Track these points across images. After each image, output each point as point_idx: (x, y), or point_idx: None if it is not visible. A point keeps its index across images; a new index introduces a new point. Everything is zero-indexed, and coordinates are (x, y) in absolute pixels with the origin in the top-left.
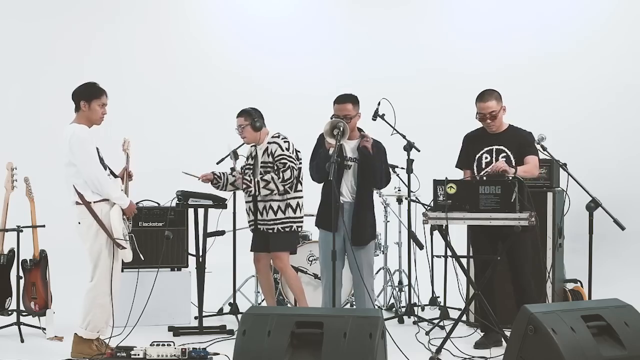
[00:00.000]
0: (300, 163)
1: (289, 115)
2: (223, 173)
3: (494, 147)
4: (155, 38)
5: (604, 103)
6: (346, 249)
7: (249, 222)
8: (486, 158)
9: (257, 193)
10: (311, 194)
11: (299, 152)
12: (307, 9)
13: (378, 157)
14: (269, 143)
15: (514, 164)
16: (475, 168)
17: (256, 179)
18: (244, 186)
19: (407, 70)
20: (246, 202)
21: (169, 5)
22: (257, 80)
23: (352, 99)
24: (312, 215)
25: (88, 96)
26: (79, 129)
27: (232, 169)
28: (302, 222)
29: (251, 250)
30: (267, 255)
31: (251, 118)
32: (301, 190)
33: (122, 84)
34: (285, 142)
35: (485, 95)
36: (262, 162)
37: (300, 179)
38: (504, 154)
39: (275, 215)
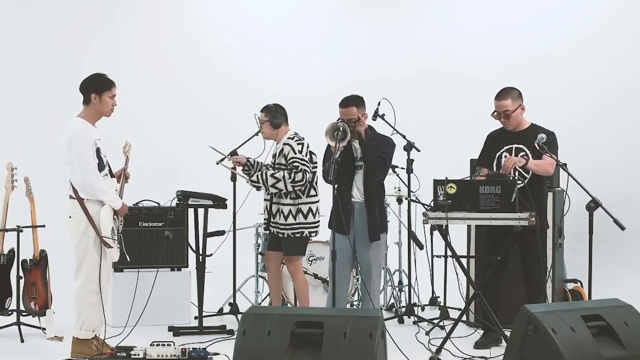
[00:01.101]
0: (315, 166)
1: (289, 115)
2: (258, 162)
3: (514, 146)
4: (155, 38)
5: (604, 103)
6: (355, 250)
7: (264, 220)
8: (505, 157)
9: (266, 190)
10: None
11: (313, 154)
12: (307, 9)
13: (372, 143)
14: (284, 144)
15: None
16: (494, 167)
17: (266, 173)
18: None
19: (407, 70)
20: (264, 199)
21: (169, 5)
22: (257, 80)
23: (355, 102)
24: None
25: (99, 88)
26: (80, 128)
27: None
28: (314, 227)
29: (267, 250)
30: (277, 254)
31: (270, 115)
32: (314, 195)
33: (122, 84)
34: (299, 144)
35: (502, 94)
36: (277, 164)
37: (314, 184)
38: (523, 153)
39: (286, 220)
